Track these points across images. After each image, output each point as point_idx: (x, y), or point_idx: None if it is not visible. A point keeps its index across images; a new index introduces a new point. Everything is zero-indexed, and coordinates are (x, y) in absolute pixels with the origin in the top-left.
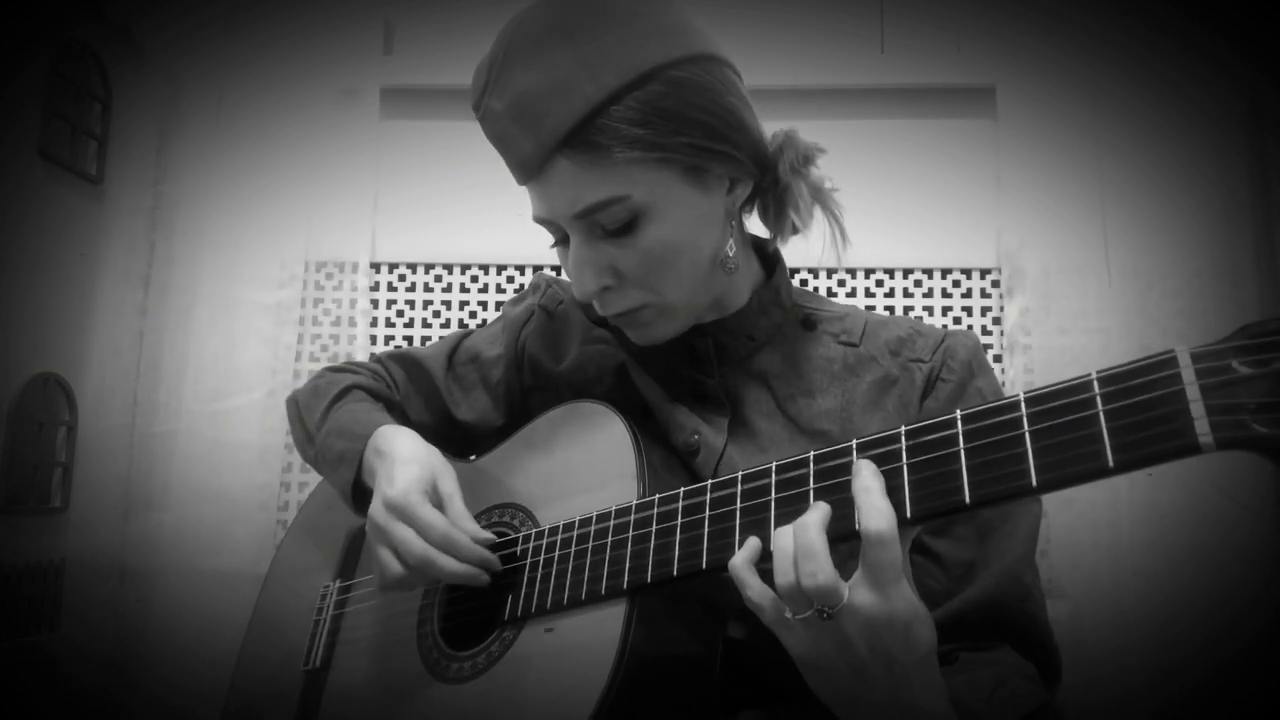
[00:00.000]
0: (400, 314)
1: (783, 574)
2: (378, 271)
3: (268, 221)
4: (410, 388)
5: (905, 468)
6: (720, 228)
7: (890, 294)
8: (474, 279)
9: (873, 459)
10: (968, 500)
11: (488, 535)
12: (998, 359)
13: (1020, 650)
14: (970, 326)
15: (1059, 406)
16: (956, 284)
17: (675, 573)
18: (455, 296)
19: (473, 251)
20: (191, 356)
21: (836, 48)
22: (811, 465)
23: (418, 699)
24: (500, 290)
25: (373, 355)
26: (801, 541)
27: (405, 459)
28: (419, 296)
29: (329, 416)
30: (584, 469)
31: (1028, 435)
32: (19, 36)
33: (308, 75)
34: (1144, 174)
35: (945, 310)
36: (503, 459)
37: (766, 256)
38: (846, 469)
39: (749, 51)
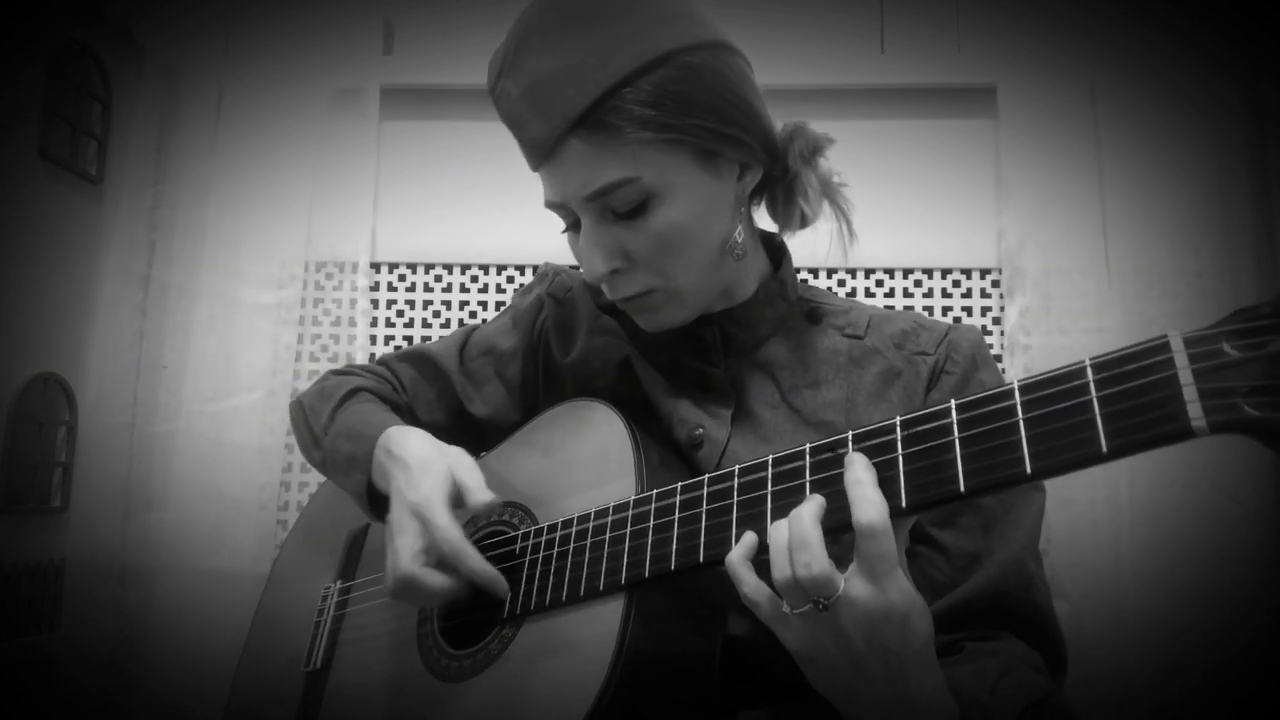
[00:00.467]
0: (400, 314)
1: (779, 568)
2: (378, 271)
3: (268, 221)
4: (421, 385)
5: (901, 458)
6: (730, 213)
7: (890, 294)
8: (474, 279)
9: (868, 450)
10: (963, 489)
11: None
12: (998, 359)
13: (1025, 639)
14: None
15: (1053, 394)
16: (957, 284)
17: (673, 567)
18: (455, 296)
19: (473, 251)
20: (191, 356)
21: (836, 48)
22: (808, 457)
23: (418, 698)
24: (500, 290)
25: (377, 358)
26: (796, 532)
27: (421, 461)
28: (419, 296)
29: (335, 419)
30: (583, 468)
31: (1022, 423)
32: (19, 37)
33: (308, 75)
34: (1144, 174)
35: (945, 310)
36: (503, 457)
37: (774, 249)
38: (843, 460)
39: (749, 51)
